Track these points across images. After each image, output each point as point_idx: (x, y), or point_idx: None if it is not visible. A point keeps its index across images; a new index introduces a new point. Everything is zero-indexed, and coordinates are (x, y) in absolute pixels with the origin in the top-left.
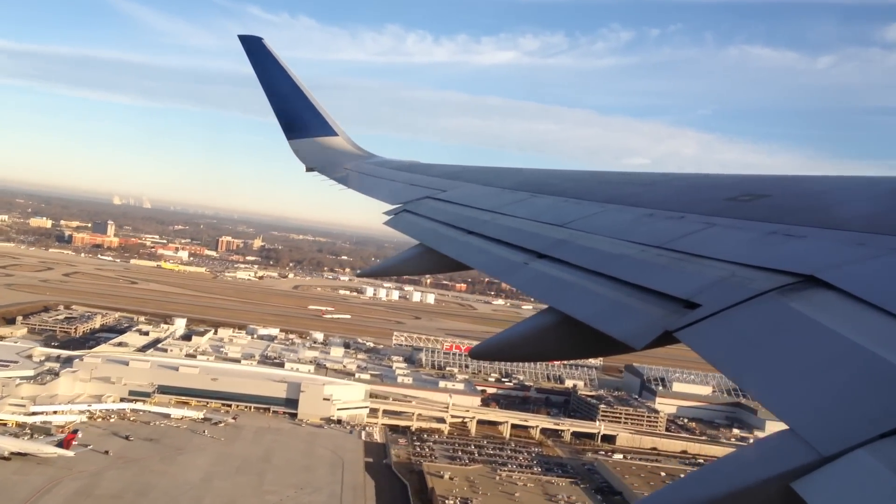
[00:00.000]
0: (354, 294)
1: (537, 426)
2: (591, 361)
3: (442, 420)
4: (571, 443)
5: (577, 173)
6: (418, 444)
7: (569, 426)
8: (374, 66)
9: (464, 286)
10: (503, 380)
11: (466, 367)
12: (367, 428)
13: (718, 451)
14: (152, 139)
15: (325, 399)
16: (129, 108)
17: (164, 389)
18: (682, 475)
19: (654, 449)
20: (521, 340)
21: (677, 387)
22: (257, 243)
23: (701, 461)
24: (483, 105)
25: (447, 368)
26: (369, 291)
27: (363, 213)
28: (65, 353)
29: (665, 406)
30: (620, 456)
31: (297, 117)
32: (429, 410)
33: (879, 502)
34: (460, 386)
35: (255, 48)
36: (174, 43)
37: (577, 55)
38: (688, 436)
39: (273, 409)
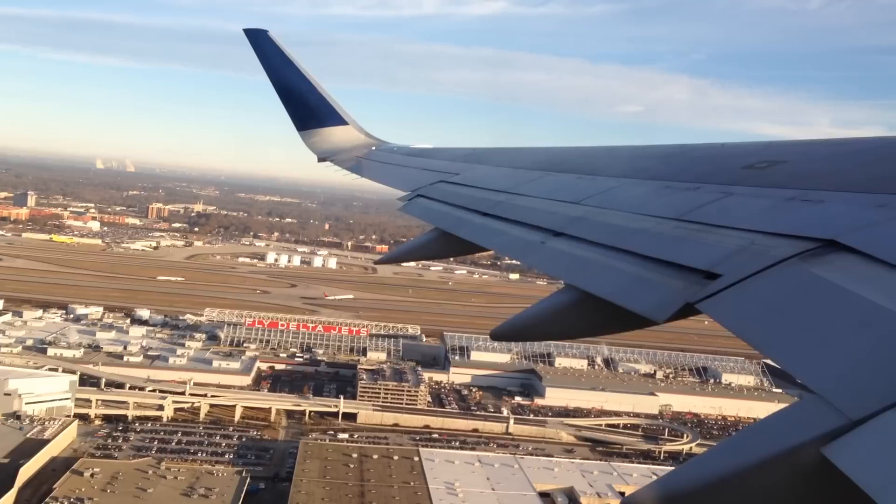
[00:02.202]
0: (254, 261)
1: (271, 407)
2: (411, 331)
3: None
4: (308, 423)
5: (591, 149)
6: (118, 435)
7: (308, 406)
8: (364, 20)
9: (384, 248)
10: (298, 355)
11: (267, 342)
12: (54, 421)
13: (464, 424)
14: (139, 101)
15: (6, 394)
16: (115, 70)
17: None
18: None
19: (396, 425)
20: (541, 320)
21: (476, 355)
22: (197, 207)
23: (436, 435)
24: (474, 56)
25: (245, 345)
26: (270, 258)
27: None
28: None
29: (459, 376)
30: (346, 435)
31: (307, 109)
32: (148, 399)
33: None
34: (236, 365)
35: (260, 41)
36: (161, 2)
37: (567, 2)
38: (428, 409)
39: None
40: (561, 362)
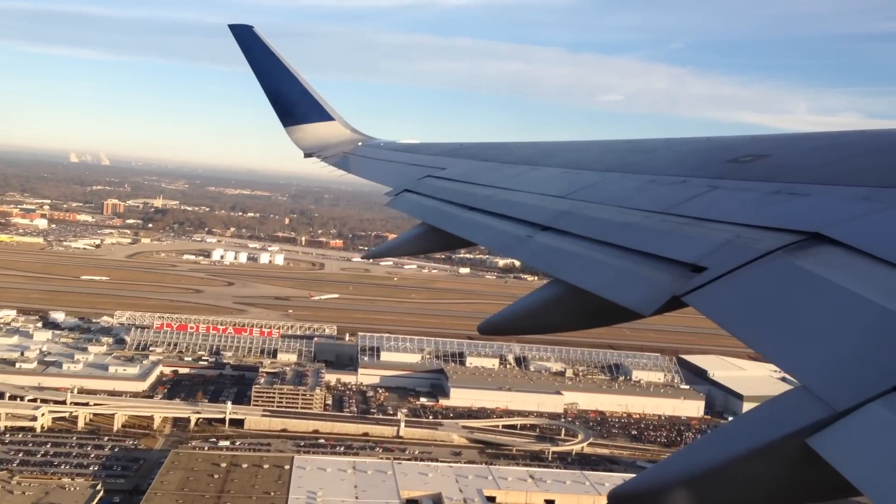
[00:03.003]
0: (198, 259)
1: (153, 415)
2: (328, 331)
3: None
4: (192, 431)
5: (577, 143)
6: None
7: (192, 412)
8: (342, 10)
9: (340, 242)
10: (204, 359)
11: (175, 345)
12: None
13: (354, 428)
14: (116, 94)
15: None
16: (92, 63)
17: None
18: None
19: (285, 430)
20: (528, 313)
21: (386, 356)
22: (157, 203)
23: (322, 441)
24: (453, 47)
25: (151, 348)
26: (216, 255)
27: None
28: None
29: (368, 377)
30: (227, 442)
31: (293, 104)
32: (20, 409)
33: (895, 452)
34: (134, 370)
35: (246, 37)
36: None
37: None
38: (318, 413)
39: None
40: (472, 361)
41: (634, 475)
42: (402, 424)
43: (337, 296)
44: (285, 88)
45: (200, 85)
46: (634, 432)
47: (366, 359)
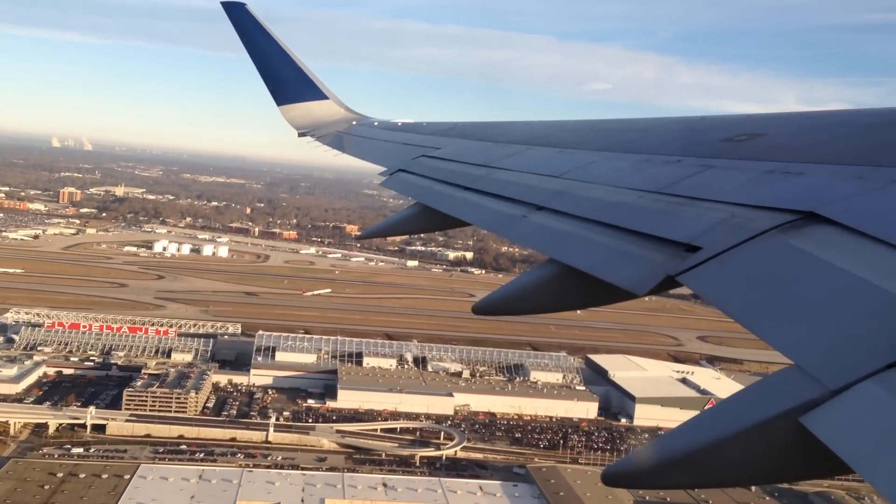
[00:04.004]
0: (140, 250)
1: (9, 420)
2: (231, 329)
3: None
4: (49, 437)
5: (571, 123)
6: None
7: (51, 417)
8: None
9: (293, 234)
10: (92, 359)
11: (66, 344)
12: None
13: (221, 433)
14: (101, 78)
15: None
16: (76, 46)
17: None
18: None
19: (148, 436)
20: (522, 294)
21: (281, 356)
22: (118, 191)
23: (184, 447)
24: (442, 34)
25: (40, 348)
26: (158, 246)
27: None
28: None
29: (261, 378)
30: (81, 449)
31: (286, 83)
32: None
33: (887, 430)
34: (10, 372)
35: (238, 15)
36: None
37: None
38: (184, 418)
39: None
40: (369, 362)
41: (624, 457)
42: (272, 429)
43: (330, 291)
44: (279, 67)
45: (188, 70)
46: (518, 435)
47: (259, 359)
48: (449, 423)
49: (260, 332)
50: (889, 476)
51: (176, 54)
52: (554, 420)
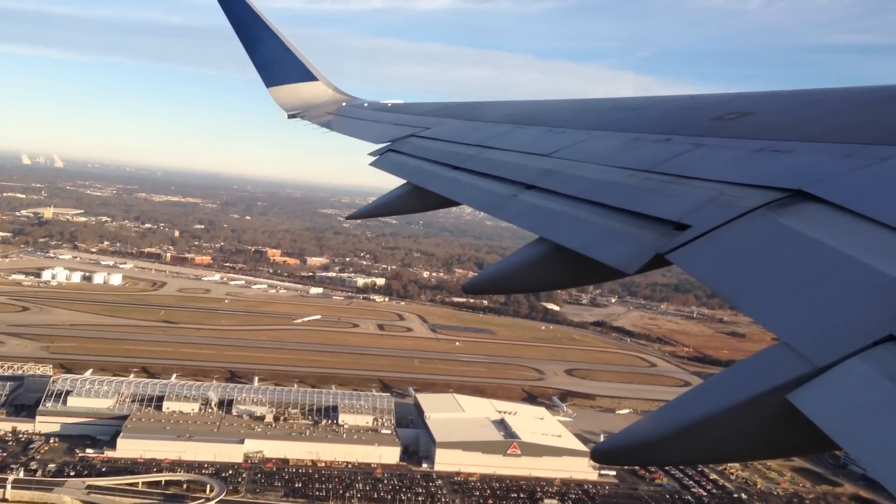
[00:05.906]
0: (28, 279)
1: None
2: (42, 370)
3: None
4: None
5: (561, 102)
6: None
7: None
8: (310, 13)
9: (208, 259)
10: None
11: None
12: None
13: None
14: (78, 95)
15: None
16: (53, 62)
17: None
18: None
19: None
20: (513, 272)
21: (73, 401)
22: (48, 213)
23: None
24: (422, 52)
25: None
26: (47, 274)
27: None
28: None
29: (48, 425)
30: None
31: (275, 64)
32: None
33: (874, 407)
34: None
35: None
36: None
37: None
38: None
39: None
40: (169, 406)
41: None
42: (9, 486)
43: (319, 317)
44: (268, 48)
45: (168, 85)
46: (299, 484)
47: (48, 404)
48: (232, 471)
49: (55, 374)
50: (874, 452)
51: (155, 70)
52: (351, 466)
